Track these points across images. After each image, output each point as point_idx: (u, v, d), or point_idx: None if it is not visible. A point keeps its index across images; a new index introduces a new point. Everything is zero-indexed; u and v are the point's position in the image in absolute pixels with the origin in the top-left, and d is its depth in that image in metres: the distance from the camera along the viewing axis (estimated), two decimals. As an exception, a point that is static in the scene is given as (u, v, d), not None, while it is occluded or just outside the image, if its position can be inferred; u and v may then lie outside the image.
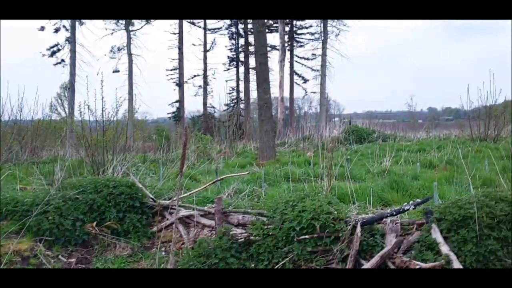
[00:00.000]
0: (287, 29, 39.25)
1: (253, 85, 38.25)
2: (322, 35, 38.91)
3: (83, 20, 35.00)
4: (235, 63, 41.70)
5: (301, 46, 41.85)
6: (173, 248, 5.37)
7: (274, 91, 33.88)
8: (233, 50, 41.83)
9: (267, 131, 13.84)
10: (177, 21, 38.85)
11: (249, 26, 36.42)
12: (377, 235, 4.51)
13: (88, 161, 9.56)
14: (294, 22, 41.39)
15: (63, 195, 5.97)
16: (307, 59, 41.07)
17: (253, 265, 4.62)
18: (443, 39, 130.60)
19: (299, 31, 41.90)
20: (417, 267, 3.81)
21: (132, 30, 37.15)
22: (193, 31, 43.67)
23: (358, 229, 4.42)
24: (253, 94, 38.52)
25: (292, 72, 41.24)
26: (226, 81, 41.10)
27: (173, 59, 39.03)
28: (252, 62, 37.65)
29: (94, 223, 5.89)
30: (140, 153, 14.46)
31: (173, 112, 39.42)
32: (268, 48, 29.25)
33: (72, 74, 33.24)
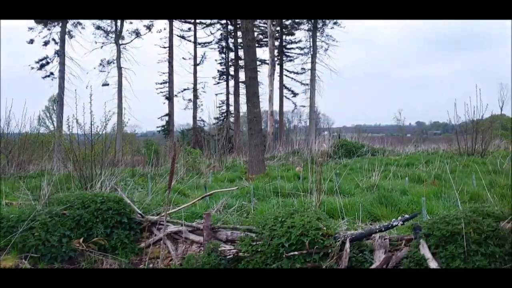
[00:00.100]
0: (276, 43, 39.51)
1: (243, 98, 38.29)
2: (311, 49, 39.29)
3: (73, 33, 35.03)
4: (225, 77, 41.85)
5: (290, 60, 42.24)
6: (161, 265, 5.32)
7: (264, 105, 33.98)
8: (223, 64, 42.03)
9: (256, 145, 13.83)
10: (167, 34, 39.01)
11: (239, 40, 36.63)
12: (366, 251, 4.51)
13: (76, 176, 9.47)
14: (284, 36, 41.76)
15: (50, 211, 5.90)
16: (297, 73, 41.44)
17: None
18: (431, 53, 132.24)
19: (288, 46, 42.30)
20: None
21: (122, 44, 37.15)
22: (183, 45, 43.74)
23: (347, 245, 4.42)
24: (243, 108, 38.57)
25: (282, 86, 41.49)
26: (216, 94, 41.24)
27: (163, 73, 39.11)
28: (242, 76, 37.80)
29: (81, 239, 5.82)
30: (128, 167, 14.36)
31: (163, 126, 39.33)
32: (258, 63, 29.43)
33: (61, 87, 33.11)
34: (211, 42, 41.52)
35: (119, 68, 36.72)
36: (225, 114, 41.23)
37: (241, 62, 36.24)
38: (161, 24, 39.61)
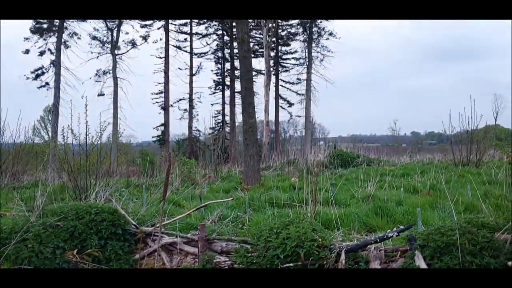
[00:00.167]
0: (272, 54, 39.72)
1: (238, 108, 38.48)
2: (307, 60, 39.53)
3: (69, 43, 35.08)
4: (221, 87, 41.98)
5: (286, 70, 42.48)
6: (156, 277, 5.27)
7: (260, 115, 34.12)
8: (219, 74, 42.17)
9: (252, 155, 13.83)
10: (163, 45, 39.13)
11: (235, 51, 36.77)
12: (361, 262, 4.50)
13: (70, 186, 9.43)
14: (279, 47, 41.99)
15: (44, 222, 5.85)
16: (292, 83, 41.65)
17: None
18: (427, 63, 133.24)
19: (284, 56, 42.56)
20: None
21: (118, 54, 37.27)
22: (179, 55, 43.77)
23: (343, 256, 4.41)
24: (239, 118, 38.73)
25: (278, 96, 41.62)
26: (212, 104, 41.35)
27: (159, 83, 39.21)
28: (237, 86, 37.96)
29: (75, 251, 5.76)
30: (123, 178, 14.30)
31: (158, 136, 39.33)
32: (254, 73, 29.50)
33: (56, 97, 33.12)
34: (207, 52, 41.75)
35: (115, 78, 36.80)
36: (221, 124, 41.28)
37: (237, 73, 36.41)
38: (157, 34, 39.87)
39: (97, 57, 37.06)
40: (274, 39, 38.54)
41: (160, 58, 39.18)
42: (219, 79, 42.01)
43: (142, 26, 38.71)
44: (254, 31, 39.80)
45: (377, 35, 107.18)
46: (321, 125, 64.10)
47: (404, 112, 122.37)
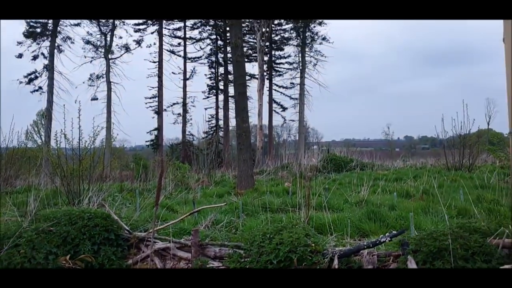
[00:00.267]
0: (266, 58, 39.81)
1: (232, 113, 38.48)
2: (300, 64, 39.65)
3: (62, 48, 34.99)
4: (214, 91, 41.95)
5: (279, 75, 42.53)
6: (149, 282, 5.26)
7: (253, 119, 34.14)
8: (212, 78, 42.15)
9: (245, 160, 13.83)
10: (157, 49, 39.12)
11: (229, 55, 36.82)
12: (354, 267, 4.51)
13: (63, 191, 9.38)
14: (273, 52, 42.07)
15: (36, 228, 5.82)
16: (286, 87, 41.71)
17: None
18: (420, 68, 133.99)
19: (277, 61, 42.64)
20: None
21: (112, 58, 37.22)
22: (173, 59, 43.84)
23: (336, 261, 4.42)
24: (232, 122, 38.75)
25: (271, 100, 41.66)
26: (206, 109, 41.34)
27: (153, 87, 39.16)
28: (231, 90, 37.97)
29: (68, 256, 5.73)
30: (117, 183, 14.25)
31: (152, 140, 39.24)
32: (248, 77, 29.56)
33: (50, 101, 33.00)
34: (200, 57, 41.77)
35: (108, 83, 36.74)
36: (215, 128, 41.25)
37: (231, 77, 36.44)
38: (151, 39, 39.88)
39: (91, 61, 37.06)
40: (267, 43, 38.66)
41: (154, 62, 39.20)
42: (212, 83, 42.00)
43: (135, 31, 38.77)
44: (247, 35, 39.89)
45: (370, 40, 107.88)
46: (315, 130, 64.20)
47: (398, 117, 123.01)
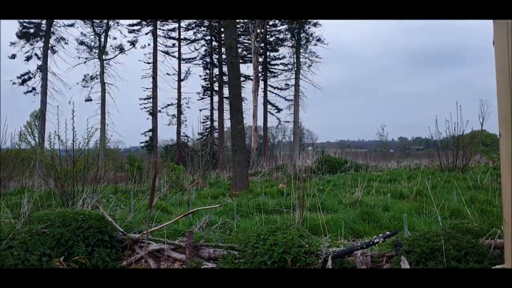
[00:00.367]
0: (260, 59, 39.83)
1: (227, 114, 38.45)
2: (295, 66, 39.74)
3: (56, 48, 34.88)
4: (209, 92, 41.92)
5: (274, 76, 42.57)
6: (143, 284, 5.26)
7: (248, 121, 34.15)
8: (207, 79, 42.12)
9: (240, 161, 13.84)
10: (151, 50, 39.07)
11: (223, 56, 36.84)
12: (348, 268, 4.53)
13: (57, 193, 9.36)
14: (268, 53, 42.12)
15: (30, 229, 5.80)
16: (281, 89, 41.75)
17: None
18: (414, 69, 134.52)
19: (272, 62, 42.70)
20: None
21: (106, 59, 37.14)
22: (167, 60, 43.80)
23: (329, 262, 4.44)
24: (227, 123, 38.74)
25: (266, 101, 41.70)
26: (200, 110, 41.27)
27: (147, 88, 39.09)
28: (226, 91, 37.96)
29: (61, 258, 5.72)
30: (111, 184, 14.22)
31: (146, 141, 39.18)
32: (242, 78, 29.62)
33: (43, 102, 32.89)
34: (195, 58, 41.71)
35: (103, 84, 36.67)
36: (209, 129, 41.22)
37: (225, 78, 36.43)
38: (145, 39, 39.85)
39: (85, 62, 36.99)
40: (262, 44, 38.70)
41: (148, 63, 39.13)
42: (207, 84, 41.97)
43: (130, 31, 38.73)
44: (242, 36, 39.92)
45: (365, 41, 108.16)
46: (310, 131, 64.26)
47: (392, 118, 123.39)
